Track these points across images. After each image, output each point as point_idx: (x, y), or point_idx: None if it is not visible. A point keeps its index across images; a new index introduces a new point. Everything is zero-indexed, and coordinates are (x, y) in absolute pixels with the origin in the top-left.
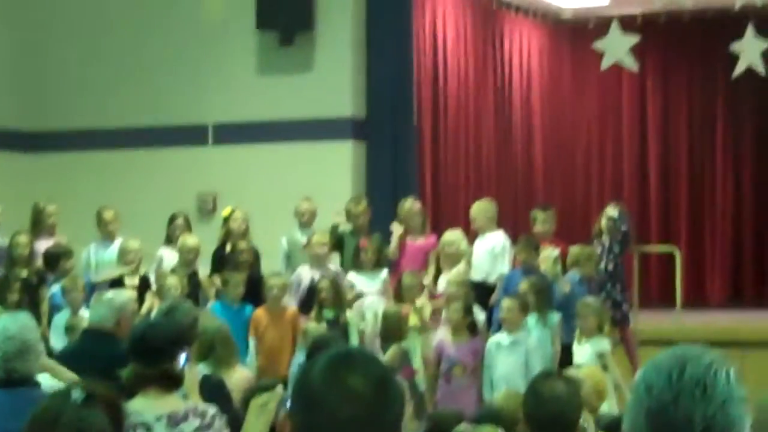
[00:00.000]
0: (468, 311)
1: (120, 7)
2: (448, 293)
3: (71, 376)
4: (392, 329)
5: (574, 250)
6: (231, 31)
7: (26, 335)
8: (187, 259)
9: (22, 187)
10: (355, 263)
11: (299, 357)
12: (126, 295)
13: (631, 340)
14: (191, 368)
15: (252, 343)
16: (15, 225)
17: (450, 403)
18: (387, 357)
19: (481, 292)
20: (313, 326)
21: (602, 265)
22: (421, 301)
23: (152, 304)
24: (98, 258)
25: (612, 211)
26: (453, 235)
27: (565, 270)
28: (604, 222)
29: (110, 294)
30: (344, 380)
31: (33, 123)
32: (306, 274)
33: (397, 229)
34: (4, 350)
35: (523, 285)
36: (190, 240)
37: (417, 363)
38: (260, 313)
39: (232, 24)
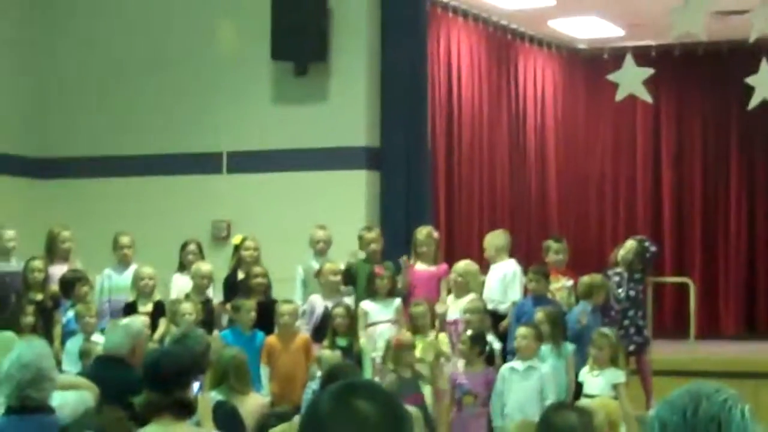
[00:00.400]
0: (481, 340)
1: (136, 36)
2: (464, 321)
3: (87, 383)
4: (396, 357)
5: (585, 279)
6: (246, 61)
7: (41, 363)
8: (201, 285)
9: (37, 213)
10: (368, 291)
11: (312, 383)
12: (140, 322)
13: (646, 369)
14: (204, 395)
15: (264, 370)
16: (30, 250)
17: (460, 431)
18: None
19: (493, 321)
20: (327, 354)
21: (623, 293)
22: (437, 331)
23: (166, 330)
24: (112, 283)
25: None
26: (465, 265)
27: (577, 300)
28: (622, 253)
29: (125, 321)
30: (353, 407)
31: (48, 150)
32: (319, 302)
33: (406, 263)
34: (19, 378)
35: (539, 314)
36: (203, 266)
37: (426, 390)
38: (272, 339)
39: (248, 54)
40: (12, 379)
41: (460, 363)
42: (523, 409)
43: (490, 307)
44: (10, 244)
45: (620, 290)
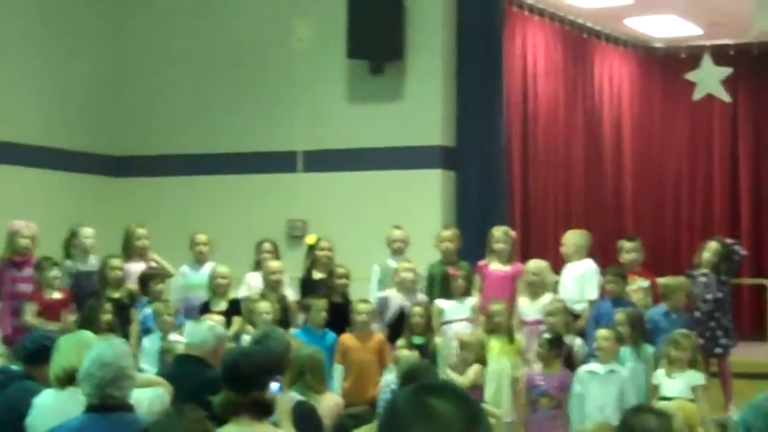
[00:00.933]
0: (559, 342)
1: (212, 35)
2: (545, 324)
3: (160, 380)
4: (471, 356)
5: (663, 281)
6: (322, 60)
7: (121, 361)
8: (272, 281)
9: (115, 211)
10: (443, 291)
11: (389, 383)
12: (221, 323)
13: (728, 372)
14: (283, 395)
15: (338, 368)
16: (107, 248)
17: None
18: (467, 378)
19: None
20: (405, 353)
21: (710, 296)
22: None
23: (240, 329)
24: (188, 281)
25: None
26: (537, 265)
27: (655, 300)
28: (707, 256)
29: (209, 322)
30: (430, 406)
31: (125, 148)
32: (395, 298)
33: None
34: (99, 377)
35: (619, 315)
36: (273, 264)
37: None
38: (347, 338)
39: (324, 53)
40: (92, 378)
41: (537, 364)
42: (602, 412)
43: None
44: (88, 242)
45: (707, 293)
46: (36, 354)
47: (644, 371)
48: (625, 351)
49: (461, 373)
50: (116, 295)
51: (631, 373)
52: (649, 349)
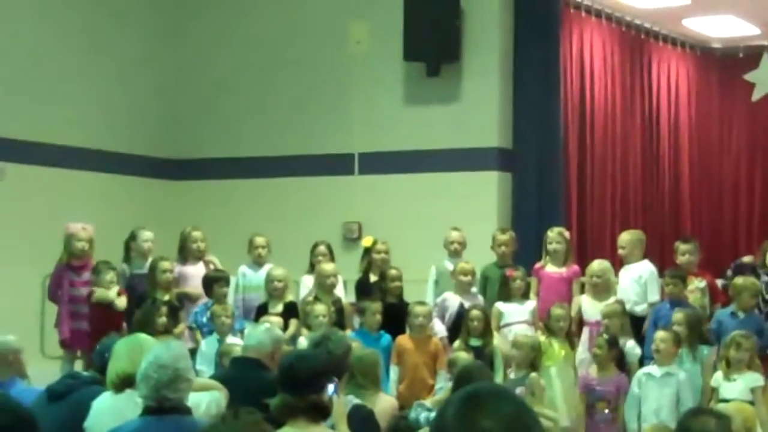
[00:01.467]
0: (615, 345)
1: (268, 38)
2: (603, 325)
3: (216, 384)
4: (522, 356)
5: (735, 281)
6: (378, 62)
7: (178, 363)
8: (326, 284)
9: (172, 214)
10: (501, 293)
11: (441, 383)
12: (279, 326)
13: None
14: (339, 398)
15: (394, 369)
16: (165, 251)
17: None
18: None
19: (631, 323)
20: (461, 356)
21: None
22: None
23: (296, 332)
24: (247, 281)
25: None
26: (601, 265)
27: (713, 301)
28: None
29: (267, 324)
30: (475, 422)
31: (182, 151)
32: (453, 300)
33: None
34: (156, 379)
35: (677, 315)
36: (326, 266)
37: (553, 394)
38: (404, 340)
39: (380, 55)
40: (149, 380)
41: (593, 368)
42: (659, 416)
43: (627, 308)
44: (146, 245)
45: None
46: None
47: (701, 373)
48: (682, 352)
49: (513, 371)
50: (166, 297)
51: (687, 375)
52: (705, 351)
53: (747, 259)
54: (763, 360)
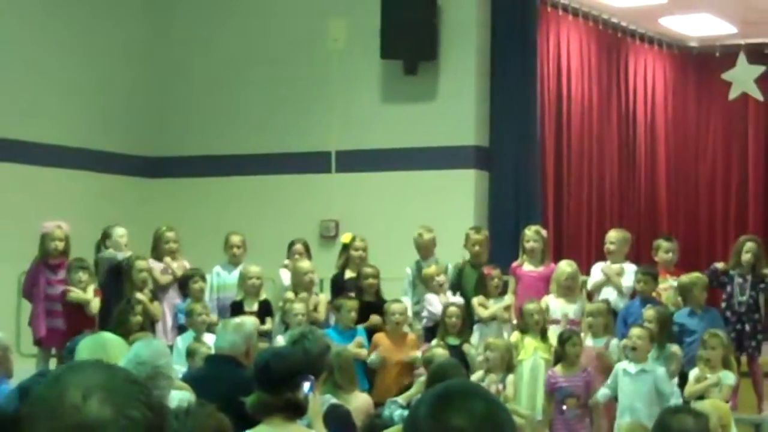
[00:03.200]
0: (578, 341)
1: (246, 36)
2: (587, 325)
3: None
4: (497, 358)
5: (681, 279)
6: (356, 60)
7: (158, 361)
8: (303, 281)
9: (148, 211)
10: (477, 292)
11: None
12: (252, 322)
13: (758, 372)
14: (315, 396)
15: (371, 359)
16: (141, 248)
17: None
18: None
19: None
20: (438, 353)
21: (744, 297)
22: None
23: (272, 329)
24: (221, 281)
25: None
26: (569, 266)
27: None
28: (749, 257)
29: (238, 320)
30: (447, 421)
31: (158, 149)
32: (435, 301)
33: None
34: (134, 359)
35: (649, 312)
36: (303, 263)
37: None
38: (381, 336)
39: (358, 53)
40: (130, 361)
41: (558, 366)
42: (633, 412)
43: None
44: (122, 241)
45: (742, 295)
46: None
47: (667, 371)
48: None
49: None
50: (141, 296)
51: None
52: (671, 349)
53: (720, 265)
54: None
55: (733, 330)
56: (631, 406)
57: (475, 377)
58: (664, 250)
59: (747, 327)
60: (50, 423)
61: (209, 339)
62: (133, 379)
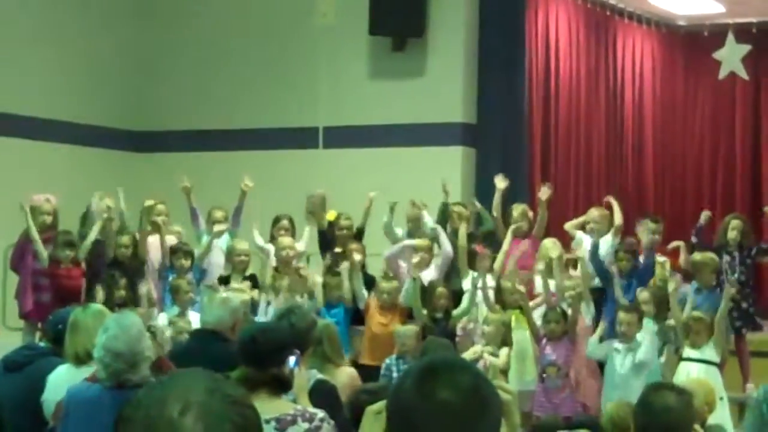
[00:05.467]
0: (565, 316)
1: (235, 12)
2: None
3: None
4: (498, 334)
5: (694, 257)
6: (344, 37)
7: (136, 348)
8: (282, 257)
9: (136, 185)
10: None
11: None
12: (241, 297)
13: (745, 352)
14: (301, 371)
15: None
16: (128, 222)
17: (545, 403)
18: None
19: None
20: (401, 329)
21: (734, 276)
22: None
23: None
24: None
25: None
26: (552, 244)
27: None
28: (734, 234)
29: (224, 295)
30: (433, 394)
31: (146, 123)
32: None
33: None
34: (114, 367)
35: (643, 294)
36: (284, 239)
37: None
38: (373, 301)
39: (346, 29)
40: (107, 368)
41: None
42: (624, 389)
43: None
44: (100, 211)
45: (732, 273)
46: (64, 333)
47: (666, 347)
48: (648, 323)
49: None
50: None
51: (651, 348)
52: (669, 323)
53: (704, 218)
54: (737, 338)
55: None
56: (619, 384)
57: (473, 350)
58: (651, 230)
59: (742, 305)
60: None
61: (193, 316)
62: (232, 399)
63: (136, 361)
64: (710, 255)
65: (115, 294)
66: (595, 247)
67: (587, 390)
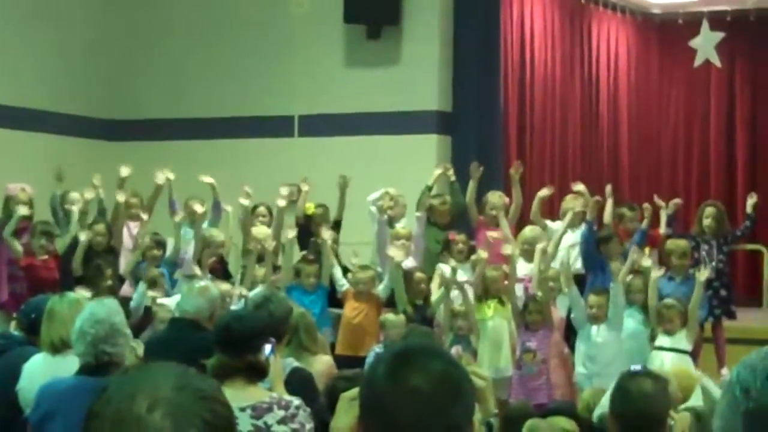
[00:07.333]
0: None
1: (209, 1)
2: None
3: None
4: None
5: (667, 244)
6: (319, 25)
7: (114, 318)
8: (256, 249)
9: (112, 174)
10: (443, 255)
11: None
12: (219, 288)
13: (721, 339)
14: (277, 359)
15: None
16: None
17: (520, 390)
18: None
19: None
20: (390, 318)
21: (712, 263)
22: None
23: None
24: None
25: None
26: (533, 232)
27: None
28: (709, 221)
29: (203, 284)
30: (405, 380)
31: (120, 112)
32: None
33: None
34: (93, 334)
35: (636, 282)
36: (262, 229)
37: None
38: (350, 296)
39: (321, 17)
40: (86, 336)
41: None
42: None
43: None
44: (75, 207)
45: (710, 260)
46: (37, 322)
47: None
48: (632, 311)
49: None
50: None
51: (631, 334)
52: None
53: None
54: (715, 326)
55: (713, 294)
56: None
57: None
58: (628, 219)
59: (721, 292)
60: (112, 428)
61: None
62: (202, 394)
63: (114, 331)
64: (678, 241)
65: (101, 283)
66: (589, 232)
67: (557, 378)
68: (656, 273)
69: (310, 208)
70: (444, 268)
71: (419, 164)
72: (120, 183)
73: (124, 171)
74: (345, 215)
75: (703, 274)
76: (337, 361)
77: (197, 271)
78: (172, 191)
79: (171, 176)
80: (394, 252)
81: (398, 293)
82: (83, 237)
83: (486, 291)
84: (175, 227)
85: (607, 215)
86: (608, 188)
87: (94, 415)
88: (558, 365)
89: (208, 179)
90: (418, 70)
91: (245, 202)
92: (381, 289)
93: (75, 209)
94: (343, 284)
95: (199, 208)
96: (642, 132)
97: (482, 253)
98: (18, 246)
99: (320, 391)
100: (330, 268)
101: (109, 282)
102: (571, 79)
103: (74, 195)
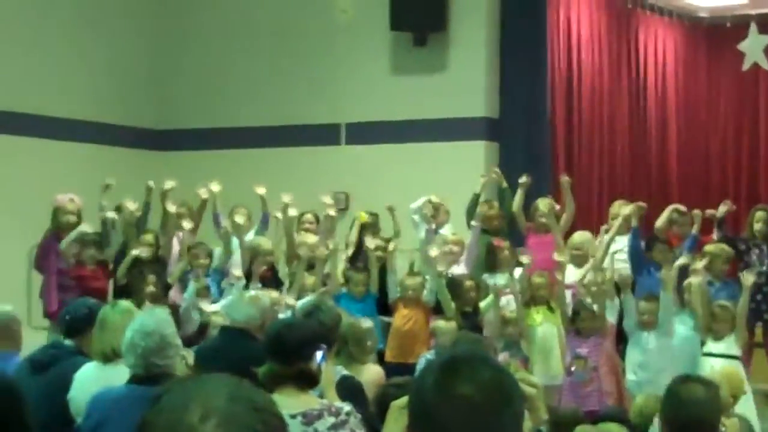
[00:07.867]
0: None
1: (255, 7)
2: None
3: None
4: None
5: (707, 249)
6: (365, 32)
7: (165, 330)
8: (305, 256)
9: (158, 184)
10: (488, 263)
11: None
12: (270, 296)
13: None
14: (327, 367)
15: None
16: (149, 221)
17: (571, 397)
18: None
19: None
20: (441, 324)
21: (764, 267)
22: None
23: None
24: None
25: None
26: (582, 237)
27: None
28: (758, 227)
29: (253, 293)
30: (453, 389)
31: (166, 121)
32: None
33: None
34: (143, 347)
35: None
36: (309, 237)
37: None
38: (399, 300)
39: (367, 25)
40: (136, 348)
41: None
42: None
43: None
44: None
45: (761, 265)
46: (79, 326)
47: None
48: (683, 317)
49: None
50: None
51: (682, 340)
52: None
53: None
54: (766, 332)
55: (752, 300)
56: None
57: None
58: (679, 224)
59: (761, 300)
60: None
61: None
62: (255, 406)
63: (165, 344)
64: (721, 245)
65: (144, 291)
66: (635, 239)
67: (608, 386)
68: (697, 278)
69: (363, 217)
70: (486, 280)
71: (466, 171)
72: (163, 195)
73: (168, 184)
74: (391, 221)
75: (749, 278)
76: (387, 369)
77: (237, 273)
78: (217, 204)
79: (215, 189)
80: (435, 253)
81: (444, 300)
82: (135, 252)
83: (533, 297)
84: (220, 237)
85: (660, 221)
86: (726, 204)
87: (146, 424)
88: (608, 372)
89: (261, 190)
90: (465, 76)
91: (293, 212)
92: (426, 294)
93: (118, 218)
94: (395, 291)
95: (240, 220)
96: (690, 136)
97: (525, 259)
98: (72, 257)
99: (369, 400)
100: (392, 283)
101: (152, 288)
102: (619, 84)
103: (127, 204)
